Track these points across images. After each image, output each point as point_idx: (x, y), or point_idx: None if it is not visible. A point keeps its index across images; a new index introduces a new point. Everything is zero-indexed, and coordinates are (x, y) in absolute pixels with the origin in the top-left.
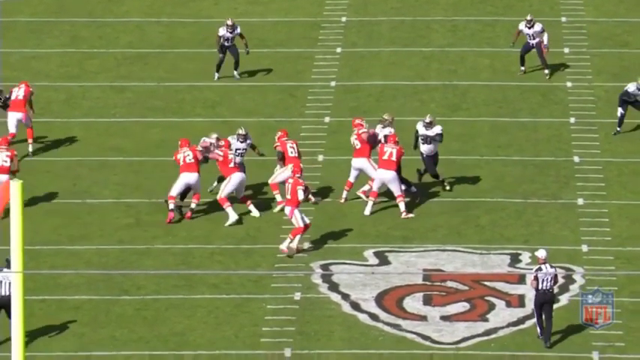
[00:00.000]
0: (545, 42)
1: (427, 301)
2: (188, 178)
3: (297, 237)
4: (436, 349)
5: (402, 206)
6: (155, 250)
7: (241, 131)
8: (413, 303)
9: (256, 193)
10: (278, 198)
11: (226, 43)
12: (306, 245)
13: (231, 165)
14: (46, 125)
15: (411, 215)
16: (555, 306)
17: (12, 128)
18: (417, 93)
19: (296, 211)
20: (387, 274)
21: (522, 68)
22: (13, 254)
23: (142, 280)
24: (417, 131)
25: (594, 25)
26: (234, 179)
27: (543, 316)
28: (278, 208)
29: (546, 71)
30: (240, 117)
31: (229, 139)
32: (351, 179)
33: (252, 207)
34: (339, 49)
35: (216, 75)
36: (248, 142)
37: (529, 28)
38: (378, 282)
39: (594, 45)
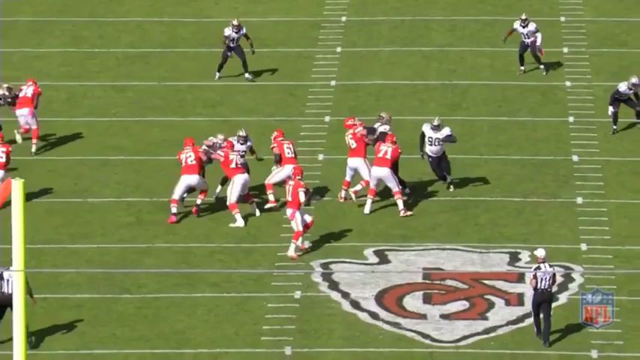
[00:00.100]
0: (539, 42)
1: (427, 299)
2: (189, 180)
3: (300, 239)
4: (436, 347)
5: (399, 204)
6: (156, 249)
7: (242, 133)
8: (413, 301)
9: (256, 193)
10: (271, 197)
11: (232, 44)
12: (307, 244)
13: (232, 166)
14: (47, 124)
15: (409, 213)
16: (554, 305)
17: (33, 124)
18: (417, 92)
19: (297, 214)
20: (387, 273)
21: (522, 68)
22: (14, 253)
23: (143, 278)
24: (422, 133)
25: (593, 25)
26: (237, 182)
27: (541, 316)
28: (267, 206)
29: (542, 67)
30: (241, 116)
31: (230, 139)
32: (348, 178)
33: (254, 205)
34: (339, 49)
35: (217, 74)
36: (248, 144)
37: (523, 27)
38: (377, 280)
39: (593, 44)
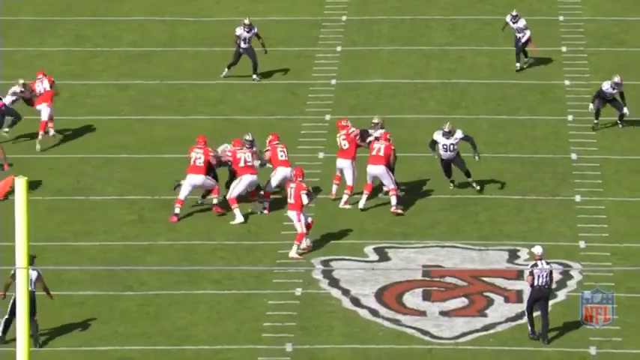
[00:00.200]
0: (524, 40)
1: (426, 296)
2: (194, 179)
3: (303, 240)
4: (435, 344)
5: (393, 200)
6: (158, 247)
7: (248, 137)
8: (412, 298)
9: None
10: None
11: (243, 44)
12: (308, 242)
13: (241, 164)
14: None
15: (400, 211)
16: (553, 302)
17: (44, 117)
18: (417, 91)
19: (301, 216)
20: (387, 270)
21: (517, 64)
22: (17, 250)
23: (145, 276)
24: (433, 141)
25: (591, 24)
26: (244, 180)
27: (537, 313)
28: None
29: (525, 59)
30: (242, 115)
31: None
32: (338, 173)
33: (255, 203)
34: (339, 48)
35: (226, 71)
36: (254, 149)
37: (514, 22)
38: (377, 278)
39: (591, 43)
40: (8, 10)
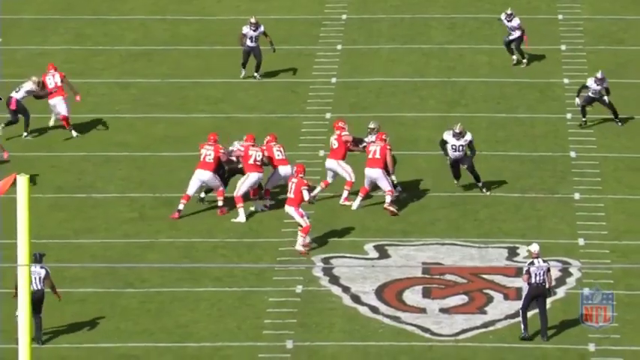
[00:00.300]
0: (511, 38)
1: (426, 293)
2: (201, 175)
3: (308, 235)
4: (435, 340)
5: (387, 198)
6: (159, 244)
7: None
8: (412, 296)
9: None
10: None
11: (250, 42)
12: (308, 239)
13: (251, 161)
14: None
15: (392, 209)
16: (552, 299)
17: (63, 111)
18: (416, 89)
19: (301, 210)
20: (387, 267)
21: (514, 57)
22: (19, 248)
23: (146, 273)
24: (443, 140)
25: (590, 23)
26: (251, 178)
27: (533, 312)
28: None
29: (524, 60)
30: (243, 113)
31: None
32: (329, 179)
33: (255, 203)
34: (339, 47)
35: (243, 72)
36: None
37: (508, 21)
38: (378, 275)
39: (590, 42)
40: (10, 9)
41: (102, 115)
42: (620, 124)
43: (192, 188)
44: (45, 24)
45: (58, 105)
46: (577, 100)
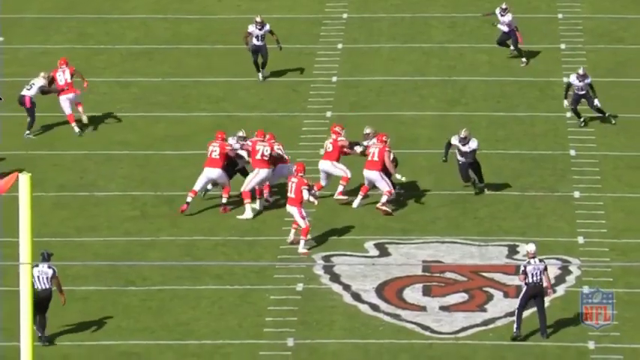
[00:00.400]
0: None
1: (426, 291)
2: (210, 172)
3: (308, 235)
4: (435, 338)
5: (382, 198)
6: (160, 242)
7: (241, 134)
8: (412, 294)
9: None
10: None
11: (256, 41)
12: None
13: (258, 157)
14: (53, 119)
15: (385, 209)
16: (552, 297)
17: (67, 110)
18: (417, 88)
19: (302, 210)
20: (387, 266)
21: (512, 48)
22: (21, 246)
23: (148, 271)
24: (448, 143)
25: (590, 22)
26: (261, 174)
27: (530, 311)
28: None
29: (523, 59)
30: (244, 112)
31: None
32: (322, 182)
33: (258, 202)
34: (340, 45)
35: (260, 75)
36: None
37: (502, 16)
38: (378, 273)
39: (590, 41)
40: (12, 8)
41: (103, 114)
42: (613, 121)
43: (199, 185)
44: (47, 23)
45: (63, 103)
46: (565, 103)
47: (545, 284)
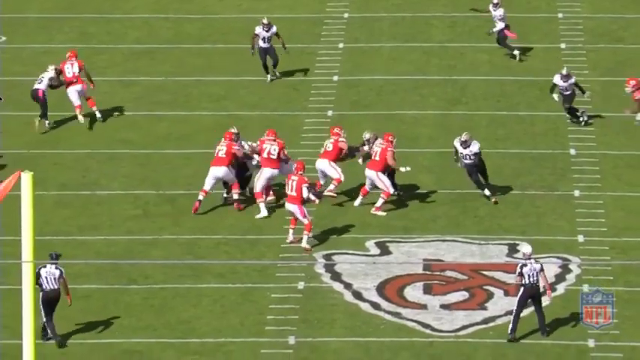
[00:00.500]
0: (496, 29)
1: (427, 290)
2: (216, 171)
3: (310, 233)
4: (436, 336)
5: (379, 201)
6: (162, 241)
7: (234, 130)
8: (413, 292)
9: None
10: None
11: (263, 43)
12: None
13: (264, 155)
14: (55, 118)
15: (380, 213)
16: (552, 295)
17: (76, 101)
18: (417, 87)
19: (304, 208)
20: (388, 264)
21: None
22: (23, 245)
23: (150, 269)
24: (455, 149)
25: (590, 21)
26: (265, 173)
27: (528, 311)
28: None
29: (515, 52)
30: (245, 111)
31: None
32: (321, 181)
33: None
34: (341, 45)
35: (268, 77)
36: (241, 142)
37: (494, 10)
38: (379, 271)
39: (590, 40)
40: (14, 8)
41: (105, 113)
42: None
43: (208, 184)
44: (49, 22)
45: (80, 91)
46: (555, 97)
47: (544, 286)
